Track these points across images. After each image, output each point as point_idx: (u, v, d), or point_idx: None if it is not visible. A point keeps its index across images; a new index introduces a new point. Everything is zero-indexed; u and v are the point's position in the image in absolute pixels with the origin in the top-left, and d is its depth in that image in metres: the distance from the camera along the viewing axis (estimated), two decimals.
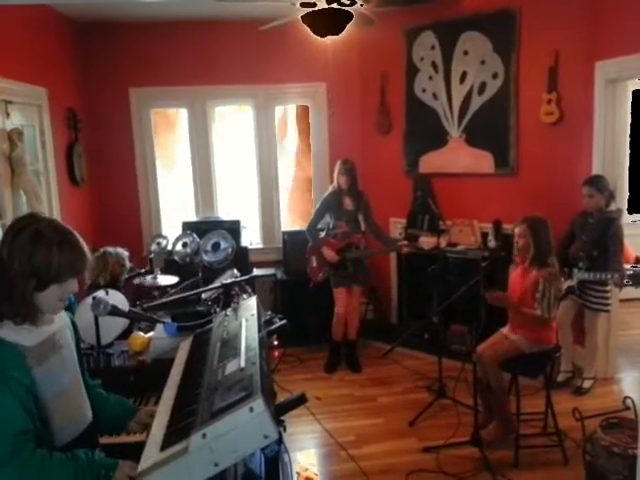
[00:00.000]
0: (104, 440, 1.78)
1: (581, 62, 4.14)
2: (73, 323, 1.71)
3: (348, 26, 3.82)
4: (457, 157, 4.98)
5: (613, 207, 3.91)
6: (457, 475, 3.06)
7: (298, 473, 3.13)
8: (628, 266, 3.58)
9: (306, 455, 3.40)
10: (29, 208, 3.78)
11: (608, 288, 3.86)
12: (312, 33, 3.86)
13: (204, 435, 1.27)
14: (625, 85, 4.19)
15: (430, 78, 5.08)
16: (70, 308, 2.46)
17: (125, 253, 3.59)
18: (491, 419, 3.40)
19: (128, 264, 3.60)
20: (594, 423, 2.94)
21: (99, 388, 1.84)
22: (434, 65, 5.03)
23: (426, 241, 4.38)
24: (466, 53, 4.81)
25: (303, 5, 3.58)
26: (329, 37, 4.03)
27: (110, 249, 3.54)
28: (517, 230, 3.37)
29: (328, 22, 3.68)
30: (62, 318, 1.64)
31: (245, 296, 2.87)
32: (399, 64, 5.22)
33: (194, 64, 5.37)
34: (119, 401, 1.86)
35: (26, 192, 3.76)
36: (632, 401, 2.91)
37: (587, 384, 4.03)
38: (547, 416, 3.37)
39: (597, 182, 3.83)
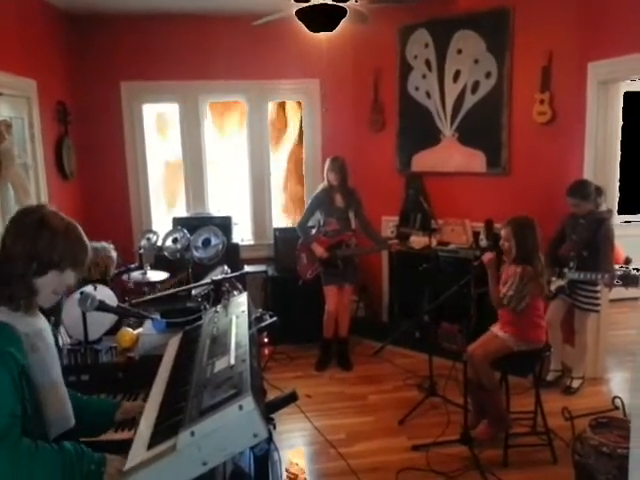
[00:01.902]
0: (87, 439, 1.75)
1: (574, 62, 4.15)
2: (54, 336, 1.70)
3: (342, 22, 3.81)
4: (449, 156, 4.98)
5: (604, 207, 3.92)
6: (446, 473, 3.06)
7: (287, 471, 3.12)
8: (618, 266, 3.59)
9: (295, 453, 3.38)
10: (17, 201, 3.72)
11: (598, 288, 3.88)
12: (306, 29, 3.85)
13: (192, 433, 1.25)
14: (617, 86, 4.20)
15: (424, 76, 5.07)
16: (58, 303, 2.44)
17: (111, 247, 3.52)
18: (481, 419, 3.40)
19: (115, 258, 3.54)
20: (583, 423, 2.96)
21: (77, 394, 1.82)
22: (428, 63, 5.03)
23: (417, 240, 4.38)
24: (460, 52, 4.80)
25: (297, 0, 3.56)
26: (323, 33, 4.02)
27: (95, 244, 3.47)
28: (502, 232, 3.36)
29: (322, 18, 3.68)
30: (47, 328, 1.64)
31: (236, 293, 2.84)
32: (393, 62, 5.21)
33: (187, 58, 5.32)
34: (101, 400, 1.89)
35: (14, 185, 3.71)
36: (621, 401, 2.93)
37: (576, 384, 4.05)
38: (536, 415, 3.38)
39: (579, 192, 3.80)
